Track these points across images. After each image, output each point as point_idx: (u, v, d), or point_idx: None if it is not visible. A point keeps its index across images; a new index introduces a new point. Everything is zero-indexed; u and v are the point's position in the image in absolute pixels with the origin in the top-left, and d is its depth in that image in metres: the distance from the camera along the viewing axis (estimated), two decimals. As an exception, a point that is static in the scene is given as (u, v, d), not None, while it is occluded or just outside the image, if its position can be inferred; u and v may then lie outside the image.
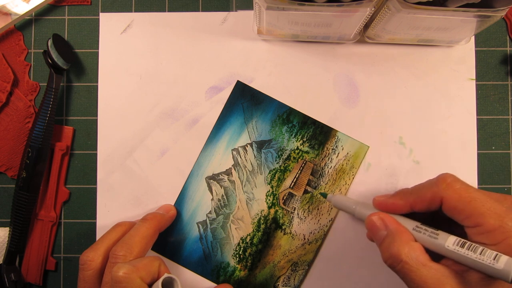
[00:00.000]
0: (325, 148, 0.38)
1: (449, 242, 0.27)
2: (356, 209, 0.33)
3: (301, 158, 0.38)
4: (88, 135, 0.40)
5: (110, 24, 0.40)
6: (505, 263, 0.24)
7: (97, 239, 0.39)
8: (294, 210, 0.38)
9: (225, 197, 0.39)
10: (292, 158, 0.38)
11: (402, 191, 0.31)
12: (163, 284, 0.30)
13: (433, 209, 0.29)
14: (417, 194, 0.30)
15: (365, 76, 0.39)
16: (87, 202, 0.40)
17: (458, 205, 0.27)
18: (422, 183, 0.30)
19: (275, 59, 0.39)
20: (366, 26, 0.36)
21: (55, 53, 0.37)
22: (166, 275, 0.31)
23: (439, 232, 0.28)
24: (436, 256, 0.28)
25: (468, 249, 0.26)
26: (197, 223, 0.39)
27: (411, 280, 0.27)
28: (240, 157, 0.39)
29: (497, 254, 0.25)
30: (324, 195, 0.36)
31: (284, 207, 0.38)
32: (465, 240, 0.27)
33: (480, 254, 0.25)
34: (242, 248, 0.38)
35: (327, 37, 0.37)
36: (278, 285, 0.38)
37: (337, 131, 0.38)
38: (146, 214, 0.36)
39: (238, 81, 0.39)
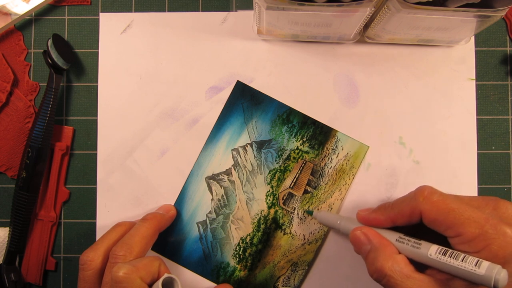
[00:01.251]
0: (325, 148, 0.38)
1: (432, 251, 0.27)
2: (340, 224, 0.34)
3: (301, 158, 0.38)
4: (88, 135, 0.40)
5: (110, 24, 0.40)
6: (486, 269, 0.24)
7: (97, 239, 0.39)
8: (294, 210, 0.38)
9: (225, 197, 0.39)
10: (292, 158, 0.38)
11: (383, 206, 0.32)
12: (163, 284, 0.30)
13: (414, 223, 0.29)
14: (397, 209, 0.30)
15: (365, 76, 0.39)
16: (87, 202, 0.40)
17: (437, 217, 0.27)
18: (402, 197, 0.30)
19: (275, 59, 0.39)
20: (366, 26, 0.36)
21: (55, 53, 0.37)
22: (166, 275, 0.31)
23: (422, 242, 0.28)
24: (420, 266, 0.28)
25: (450, 257, 0.26)
26: (197, 223, 0.39)
27: None
28: (240, 157, 0.39)
29: (478, 260, 0.25)
30: (310, 213, 0.37)
31: (284, 207, 0.38)
32: (447, 249, 0.27)
33: (462, 261, 0.26)
34: (242, 248, 0.38)
35: (327, 37, 0.37)
36: (278, 285, 0.38)
37: (337, 131, 0.38)
38: (146, 214, 0.36)
39: (238, 81, 0.39)
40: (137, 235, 0.33)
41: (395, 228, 0.31)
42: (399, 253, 0.29)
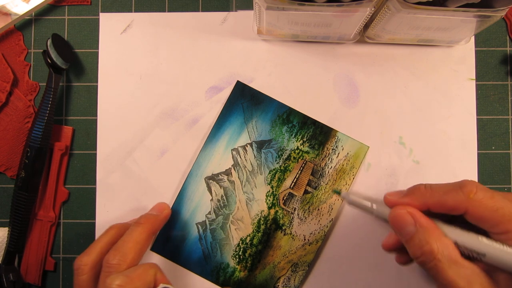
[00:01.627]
0: (325, 148, 0.38)
1: (482, 237, 0.27)
2: (374, 207, 0.31)
3: (301, 158, 0.38)
4: (87, 135, 0.40)
5: (110, 24, 0.40)
6: None
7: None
8: (294, 210, 0.38)
9: (224, 197, 0.38)
10: (292, 158, 0.38)
11: (418, 190, 0.30)
12: None
13: (452, 214, 0.28)
14: (438, 198, 0.29)
15: (365, 76, 0.39)
16: (86, 202, 0.40)
17: (484, 215, 0.27)
18: (445, 187, 0.29)
19: (275, 59, 0.39)
20: (366, 26, 0.36)
21: (54, 53, 0.37)
22: (162, 285, 0.30)
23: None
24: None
25: (502, 245, 0.26)
26: (196, 223, 0.38)
27: (443, 277, 0.26)
28: (240, 157, 0.39)
29: None
30: (338, 193, 0.34)
31: (284, 207, 0.38)
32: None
33: None
34: (242, 249, 0.38)
35: (327, 37, 0.37)
36: (278, 285, 0.38)
37: (337, 131, 0.38)
38: (139, 217, 0.35)
39: (238, 81, 0.39)
40: (130, 241, 0.32)
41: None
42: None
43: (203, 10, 0.40)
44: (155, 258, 0.38)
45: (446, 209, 0.28)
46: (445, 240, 0.27)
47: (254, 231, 0.38)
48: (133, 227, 0.34)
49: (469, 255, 0.27)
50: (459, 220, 0.29)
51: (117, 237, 0.34)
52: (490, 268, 0.26)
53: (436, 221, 0.28)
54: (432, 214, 0.29)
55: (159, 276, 0.31)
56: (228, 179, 0.38)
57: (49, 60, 0.37)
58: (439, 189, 0.29)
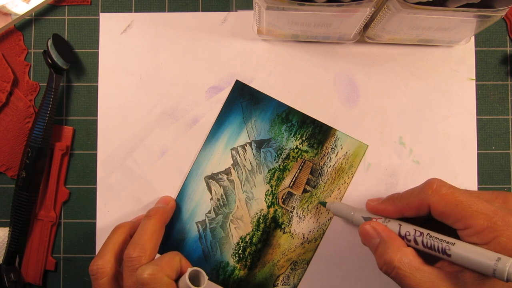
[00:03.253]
0: (324, 147, 0.38)
1: (448, 237, 0.27)
2: (354, 215, 0.34)
3: (300, 157, 0.38)
4: (88, 135, 0.40)
5: (110, 24, 0.40)
6: (499, 261, 0.24)
7: (96, 239, 0.39)
8: (294, 209, 0.38)
9: (224, 196, 0.39)
10: (291, 157, 0.38)
11: (392, 197, 0.32)
12: (189, 278, 0.30)
13: (422, 215, 0.29)
14: (406, 200, 0.30)
15: (365, 76, 0.39)
16: (87, 202, 0.40)
17: (445, 210, 0.27)
18: (412, 189, 0.30)
19: (275, 59, 0.39)
20: (366, 26, 0.36)
21: (55, 53, 0.37)
22: (190, 268, 0.31)
23: (430, 232, 0.29)
24: (430, 260, 0.28)
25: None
26: (196, 222, 0.39)
27: (406, 285, 0.27)
28: (239, 157, 0.39)
29: (491, 253, 0.25)
30: (324, 204, 0.37)
31: (283, 206, 0.38)
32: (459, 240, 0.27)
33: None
34: (241, 248, 0.38)
35: (327, 37, 0.37)
36: (278, 284, 0.38)
37: (336, 130, 0.38)
38: (148, 211, 0.36)
39: (237, 81, 0.39)
40: (146, 233, 0.33)
41: (407, 221, 0.31)
42: (408, 246, 0.29)
43: (203, 10, 0.40)
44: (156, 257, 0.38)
45: (414, 210, 0.30)
46: (405, 249, 0.28)
47: (254, 229, 0.38)
48: (145, 220, 0.34)
49: (437, 257, 0.28)
50: (434, 224, 0.29)
51: (125, 235, 0.34)
52: (458, 269, 0.27)
53: (405, 226, 0.30)
54: (410, 220, 0.31)
55: (184, 262, 0.32)
56: (227, 178, 0.39)
57: (49, 60, 0.37)
58: (407, 193, 0.30)
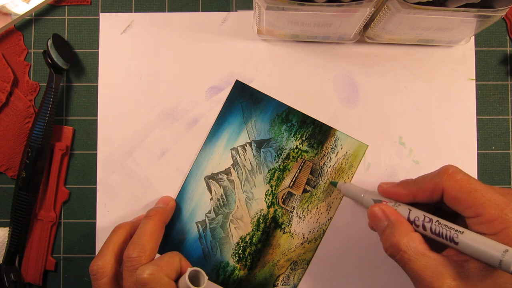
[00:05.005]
0: (324, 147, 0.38)
1: (456, 226, 0.27)
2: (364, 197, 0.34)
3: (300, 157, 0.38)
4: (88, 135, 0.40)
5: (110, 24, 0.40)
6: (506, 253, 0.24)
7: (96, 239, 0.39)
8: (294, 209, 0.38)
9: (224, 196, 0.39)
10: (291, 157, 0.38)
11: (406, 181, 0.32)
12: (189, 278, 0.30)
13: (435, 200, 0.29)
14: (420, 184, 0.30)
15: (365, 76, 0.39)
16: (87, 202, 0.40)
17: (458, 195, 0.27)
18: (426, 174, 0.30)
19: (275, 59, 0.39)
20: (366, 26, 0.36)
21: (55, 53, 0.37)
22: (190, 268, 0.31)
23: (440, 219, 0.29)
24: (436, 248, 0.28)
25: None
26: (196, 222, 0.39)
27: (410, 269, 0.27)
28: (239, 157, 0.39)
29: (498, 244, 0.25)
30: (335, 184, 0.37)
31: (283, 206, 0.38)
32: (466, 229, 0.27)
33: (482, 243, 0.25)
34: (241, 248, 0.38)
35: (327, 37, 0.37)
36: (278, 284, 0.38)
37: (336, 130, 0.38)
38: (148, 211, 0.36)
39: (237, 81, 0.39)
40: (146, 234, 0.33)
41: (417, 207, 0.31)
42: (416, 231, 0.29)
43: (203, 10, 0.40)
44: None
45: (427, 194, 0.30)
46: (412, 234, 0.28)
47: (254, 229, 0.38)
48: (145, 220, 0.34)
49: (443, 246, 0.28)
50: (442, 216, 0.29)
51: (125, 235, 0.34)
52: (464, 258, 0.27)
53: (415, 211, 0.30)
54: (420, 206, 0.31)
55: (183, 262, 0.32)
56: (227, 178, 0.39)
57: (49, 60, 0.37)
58: (422, 177, 0.31)
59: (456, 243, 0.27)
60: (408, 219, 0.30)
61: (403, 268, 0.28)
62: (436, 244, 0.28)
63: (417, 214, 0.29)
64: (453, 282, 0.26)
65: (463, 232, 0.27)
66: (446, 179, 0.28)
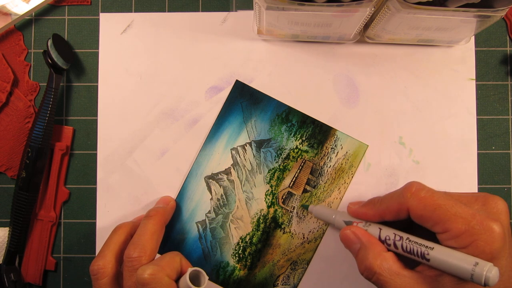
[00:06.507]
0: (324, 147, 0.38)
1: (428, 242, 0.28)
2: (335, 219, 0.34)
3: (300, 157, 0.38)
4: (88, 135, 0.40)
5: (110, 24, 0.40)
6: (476, 266, 0.24)
7: (96, 239, 0.39)
8: (294, 209, 0.38)
9: (224, 196, 0.39)
10: (291, 157, 0.38)
11: (373, 200, 0.32)
12: (190, 278, 0.30)
13: (402, 218, 0.29)
14: (386, 204, 0.30)
15: (365, 76, 0.39)
16: (87, 202, 0.40)
17: (424, 213, 0.27)
18: (391, 193, 0.30)
19: (275, 59, 0.39)
20: (366, 26, 0.36)
21: (55, 53, 0.37)
22: (191, 268, 0.31)
23: (408, 235, 0.29)
24: (410, 263, 0.28)
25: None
26: (196, 222, 0.39)
27: None
28: (239, 157, 0.39)
29: (469, 257, 0.25)
30: (306, 207, 0.37)
31: (283, 206, 0.38)
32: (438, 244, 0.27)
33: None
34: (241, 248, 0.38)
35: (327, 37, 0.37)
36: (278, 284, 0.38)
37: (336, 130, 0.38)
38: (148, 211, 0.36)
39: (237, 81, 0.39)
40: (146, 234, 0.33)
41: (388, 225, 0.31)
42: (388, 250, 0.29)
43: (203, 10, 0.40)
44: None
45: (393, 214, 0.30)
46: (385, 254, 0.29)
47: (254, 229, 0.38)
48: (145, 221, 0.34)
49: (417, 261, 0.28)
50: (417, 228, 0.29)
51: (126, 235, 0.34)
52: (437, 273, 0.27)
53: (385, 230, 0.30)
54: (390, 224, 0.31)
55: (184, 262, 0.32)
56: (227, 178, 0.39)
57: (49, 60, 0.37)
58: (387, 197, 0.31)
59: (428, 260, 0.27)
60: (379, 239, 0.30)
61: None
62: (410, 260, 0.28)
63: (388, 233, 0.30)
64: None
65: (433, 248, 0.27)
66: (410, 197, 0.28)
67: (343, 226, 0.33)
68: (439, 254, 0.26)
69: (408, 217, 0.29)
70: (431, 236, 0.28)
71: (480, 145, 0.39)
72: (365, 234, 0.30)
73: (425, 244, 0.27)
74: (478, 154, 0.39)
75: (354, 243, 0.31)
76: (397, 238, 0.29)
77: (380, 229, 0.30)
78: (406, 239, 0.28)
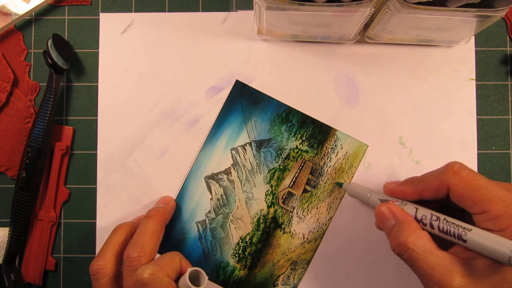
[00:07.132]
0: (324, 147, 0.38)
1: (465, 223, 0.27)
2: (370, 197, 0.34)
3: (300, 157, 0.38)
4: (88, 135, 0.40)
5: (110, 24, 0.40)
6: None
7: (97, 239, 0.39)
8: (294, 209, 0.38)
9: (224, 196, 0.39)
10: (291, 157, 0.38)
11: (411, 179, 0.32)
12: (189, 278, 0.30)
13: (441, 197, 0.29)
14: (425, 182, 0.30)
15: (365, 76, 0.39)
16: (87, 202, 0.40)
17: (464, 192, 0.27)
18: (431, 171, 0.30)
19: (275, 59, 0.39)
20: (366, 26, 0.36)
21: (55, 53, 0.37)
22: (191, 268, 0.31)
23: (448, 217, 0.28)
24: (443, 246, 0.28)
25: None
26: (196, 222, 0.39)
27: (419, 267, 0.27)
28: (239, 157, 0.39)
29: (506, 240, 0.25)
30: (340, 185, 0.37)
31: (283, 206, 0.38)
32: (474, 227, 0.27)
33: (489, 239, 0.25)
34: (241, 248, 0.38)
35: (327, 37, 0.37)
36: (278, 284, 0.38)
37: (336, 130, 0.38)
38: (148, 211, 0.36)
39: (237, 81, 0.39)
40: (146, 233, 0.33)
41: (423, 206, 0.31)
42: (423, 230, 0.29)
43: (203, 10, 0.40)
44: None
45: (433, 191, 0.29)
46: (420, 232, 0.28)
47: (254, 229, 0.38)
48: (145, 220, 0.34)
49: (451, 243, 0.28)
50: (449, 213, 0.29)
51: (126, 235, 0.34)
52: (471, 255, 0.27)
53: (422, 210, 0.30)
54: (426, 203, 0.30)
55: (184, 262, 0.33)
56: (227, 178, 0.39)
57: (49, 60, 0.37)
58: (427, 175, 0.30)
59: (465, 241, 0.27)
60: (415, 218, 0.30)
61: (411, 266, 0.28)
62: (442, 242, 0.28)
63: (424, 213, 0.29)
64: (462, 280, 0.26)
65: (471, 229, 0.27)
66: (452, 176, 0.28)
67: (377, 204, 0.32)
68: (477, 236, 0.26)
69: (446, 196, 0.29)
70: (464, 220, 0.28)
71: (480, 145, 0.39)
72: (401, 211, 0.30)
73: (462, 226, 0.27)
74: (478, 154, 0.39)
75: (388, 219, 0.30)
76: (434, 218, 0.29)
77: (417, 208, 0.30)
78: (444, 219, 0.28)
